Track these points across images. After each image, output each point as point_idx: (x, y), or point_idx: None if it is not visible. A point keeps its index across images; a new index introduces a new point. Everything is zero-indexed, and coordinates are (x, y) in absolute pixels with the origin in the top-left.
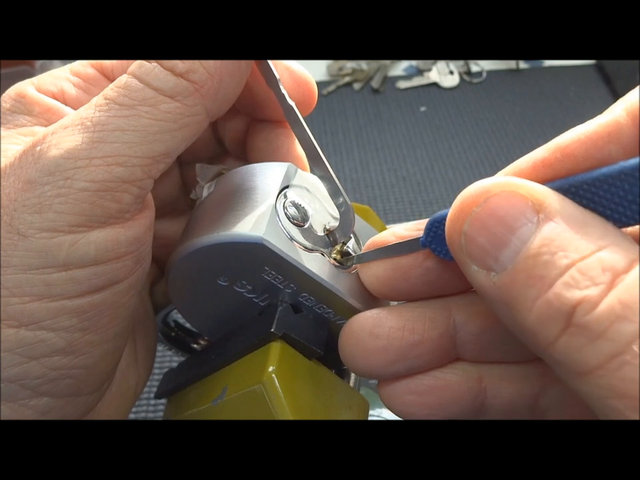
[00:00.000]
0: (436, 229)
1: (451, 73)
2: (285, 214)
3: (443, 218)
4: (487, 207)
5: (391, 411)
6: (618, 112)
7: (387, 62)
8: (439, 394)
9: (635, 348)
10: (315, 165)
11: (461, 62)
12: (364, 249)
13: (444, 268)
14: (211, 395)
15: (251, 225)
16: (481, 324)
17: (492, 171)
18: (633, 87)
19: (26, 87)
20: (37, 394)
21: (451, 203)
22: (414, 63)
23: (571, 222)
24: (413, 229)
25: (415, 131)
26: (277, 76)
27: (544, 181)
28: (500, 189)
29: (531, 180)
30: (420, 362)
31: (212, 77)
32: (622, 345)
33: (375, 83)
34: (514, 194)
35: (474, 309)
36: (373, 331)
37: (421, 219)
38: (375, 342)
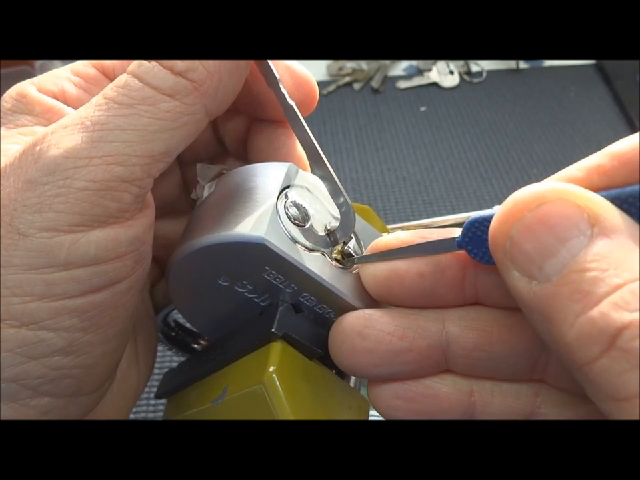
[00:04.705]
0: (475, 230)
1: (451, 72)
2: (286, 214)
3: (484, 219)
4: (539, 213)
5: (378, 412)
6: None
7: (387, 62)
8: (427, 402)
9: None
10: (316, 165)
11: (461, 62)
12: (368, 250)
13: (439, 278)
14: (212, 394)
15: (252, 225)
16: (475, 340)
17: (492, 171)
18: (633, 87)
19: (27, 87)
20: (37, 394)
21: (451, 203)
22: (414, 63)
23: (626, 240)
24: (416, 235)
25: (415, 131)
26: (277, 76)
27: (599, 189)
28: (556, 195)
29: (585, 188)
30: (406, 368)
31: (211, 76)
32: None
33: (375, 83)
34: (569, 203)
35: (469, 323)
36: (362, 331)
37: (421, 219)
38: (363, 342)
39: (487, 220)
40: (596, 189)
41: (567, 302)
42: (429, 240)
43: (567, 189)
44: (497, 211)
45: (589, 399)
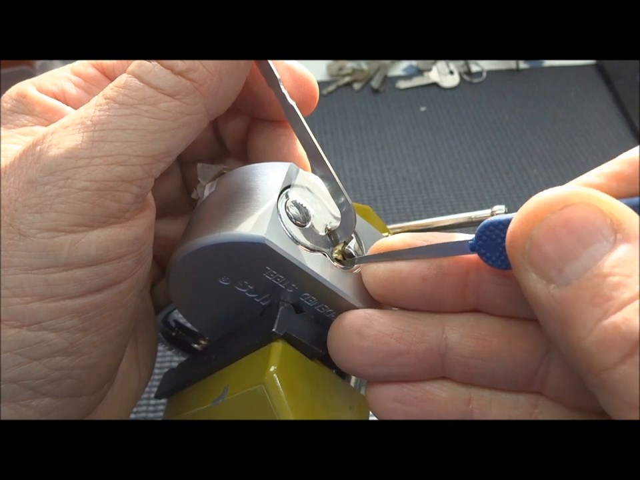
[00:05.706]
0: (490, 233)
1: (451, 72)
2: (287, 214)
3: (500, 223)
4: (562, 215)
5: (374, 413)
6: None
7: (387, 62)
8: (424, 407)
9: None
10: (316, 164)
11: (461, 62)
12: (371, 250)
13: (441, 283)
14: (212, 395)
15: (253, 224)
16: (473, 348)
17: (492, 171)
18: (633, 87)
19: (27, 87)
20: (38, 394)
21: (451, 203)
22: (414, 62)
23: None
24: (420, 238)
25: (415, 130)
26: (278, 76)
27: (618, 196)
28: (579, 199)
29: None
30: (402, 371)
31: (211, 76)
32: None
33: (374, 83)
34: (593, 208)
35: (468, 331)
36: (361, 330)
37: (421, 219)
38: (361, 341)
39: (502, 224)
40: (615, 196)
41: (587, 306)
42: (440, 242)
43: (591, 193)
44: (517, 212)
45: (586, 413)
